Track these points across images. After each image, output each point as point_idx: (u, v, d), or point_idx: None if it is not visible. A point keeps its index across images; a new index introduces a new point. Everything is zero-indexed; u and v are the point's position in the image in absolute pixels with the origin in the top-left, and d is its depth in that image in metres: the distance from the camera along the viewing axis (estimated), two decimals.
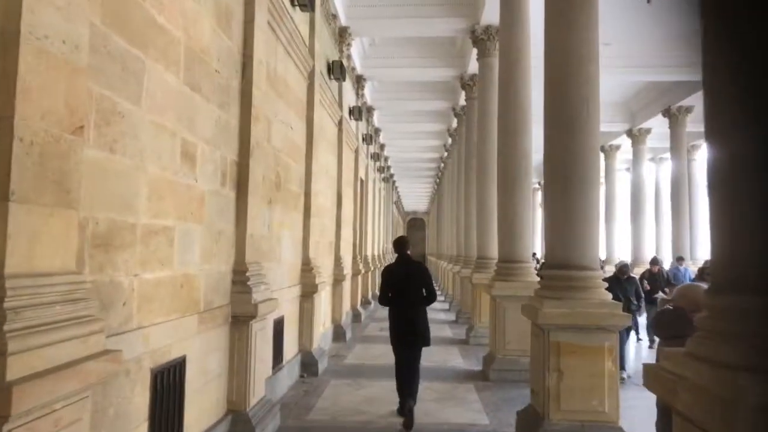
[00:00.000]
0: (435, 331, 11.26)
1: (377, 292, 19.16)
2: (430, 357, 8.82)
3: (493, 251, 10.30)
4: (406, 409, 5.49)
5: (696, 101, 15.49)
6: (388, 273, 5.90)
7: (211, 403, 4.28)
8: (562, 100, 4.87)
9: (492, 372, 7.38)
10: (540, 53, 5.26)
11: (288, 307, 6.83)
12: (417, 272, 5.82)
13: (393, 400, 6.21)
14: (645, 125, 18.34)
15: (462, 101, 14.57)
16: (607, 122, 15.96)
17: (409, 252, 5.98)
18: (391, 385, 6.93)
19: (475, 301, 10.38)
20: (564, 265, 4.77)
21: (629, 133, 18.47)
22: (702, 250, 17.27)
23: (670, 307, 4.06)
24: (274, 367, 6.16)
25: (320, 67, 8.44)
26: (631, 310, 7.78)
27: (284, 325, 6.62)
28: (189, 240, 3.88)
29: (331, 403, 6.17)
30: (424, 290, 5.73)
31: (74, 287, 2.31)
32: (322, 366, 7.71)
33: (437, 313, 14.67)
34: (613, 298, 4.83)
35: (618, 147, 20.50)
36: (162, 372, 3.43)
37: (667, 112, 16.16)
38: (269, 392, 5.47)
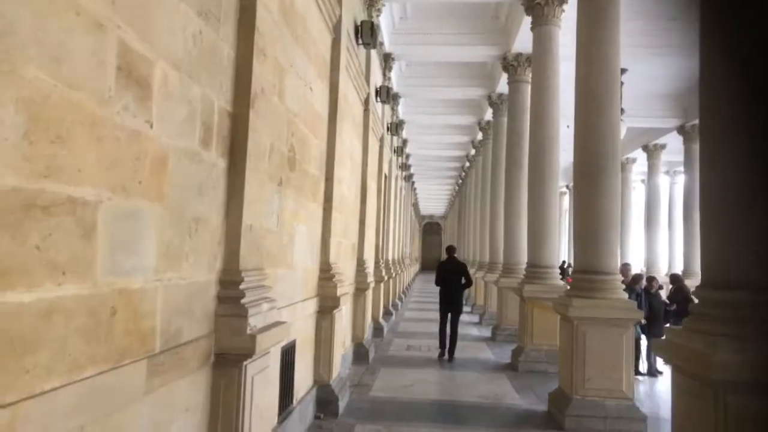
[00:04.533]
0: (471, 352, 9.74)
1: (397, 301, 17.66)
2: (476, 390, 7.10)
3: (547, 259, 8.63)
4: (446, 355, 9.13)
5: None
6: (442, 266, 9.59)
7: None
8: None
9: (568, 419, 5.57)
10: None
11: (301, 328, 5.12)
12: (459, 267, 9.48)
13: None
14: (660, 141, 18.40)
15: (500, 87, 12.82)
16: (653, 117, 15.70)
17: (455, 255, 9.78)
18: None
19: (525, 318, 8.58)
20: (746, 283, 2.96)
21: (645, 147, 19.05)
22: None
23: None
24: (281, 413, 4.43)
25: (347, 25, 6.74)
26: None
27: (295, 353, 4.89)
28: (134, 228, 2.18)
29: None
30: (463, 279, 9.33)
31: None
32: (342, 402, 5.97)
33: (467, 327, 12.87)
34: None
35: (634, 160, 21.29)
36: None
37: (682, 129, 16.12)
38: None
